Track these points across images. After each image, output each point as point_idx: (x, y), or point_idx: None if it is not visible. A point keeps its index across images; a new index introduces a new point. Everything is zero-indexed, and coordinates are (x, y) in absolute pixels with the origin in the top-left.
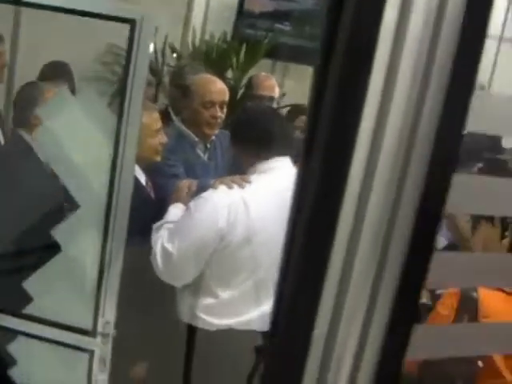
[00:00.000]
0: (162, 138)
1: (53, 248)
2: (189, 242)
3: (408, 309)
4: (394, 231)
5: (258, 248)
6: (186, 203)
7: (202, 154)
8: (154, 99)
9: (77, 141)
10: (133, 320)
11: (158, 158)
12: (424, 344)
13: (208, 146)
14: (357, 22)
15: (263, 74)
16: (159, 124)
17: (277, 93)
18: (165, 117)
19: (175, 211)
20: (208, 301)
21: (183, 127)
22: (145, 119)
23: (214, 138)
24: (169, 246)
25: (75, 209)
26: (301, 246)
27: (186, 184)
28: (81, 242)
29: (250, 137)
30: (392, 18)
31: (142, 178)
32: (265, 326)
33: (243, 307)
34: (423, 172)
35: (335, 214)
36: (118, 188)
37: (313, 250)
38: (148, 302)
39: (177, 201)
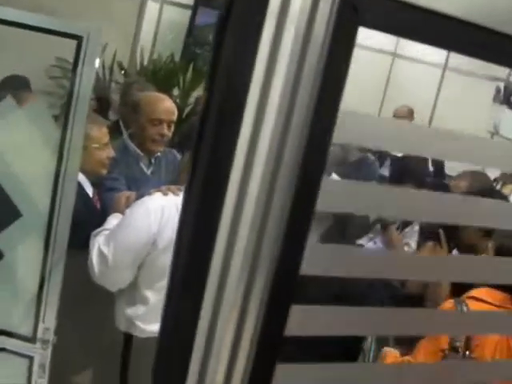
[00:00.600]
0: (110, 152)
1: None
2: (123, 244)
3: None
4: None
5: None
6: (124, 213)
7: (145, 169)
8: (105, 114)
9: (20, 151)
10: (72, 328)
11: (104, 172)
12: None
13: (152, 161)
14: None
15: None
16: (107, 138)
17: None
18: (113, 131)
19: (113, 221)
20: (140, 307)
21: (129, 142)
22: (94, 133)
23: (159, 154)
24: (104, 250)
25: (18, 217)
26: (186, 251)
27: (124, 195)
28: (22, 249)
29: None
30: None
31: (90, 191)
32: None
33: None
34: (294, 176)
35: (215, 221)
36: (61, 199)
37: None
38: (88, 311)
39: (116, 211)
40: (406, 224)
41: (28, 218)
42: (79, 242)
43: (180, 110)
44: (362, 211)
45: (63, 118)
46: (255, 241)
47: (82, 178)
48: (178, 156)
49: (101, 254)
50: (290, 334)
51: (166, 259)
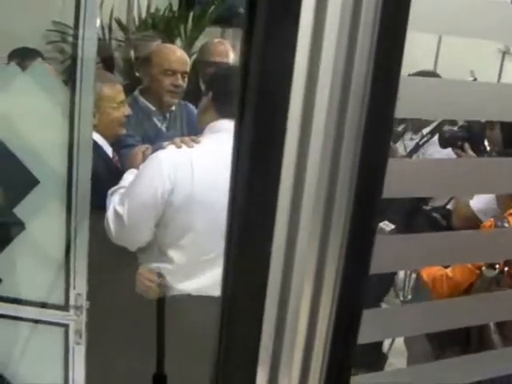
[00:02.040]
0: (126, 110)
1: (16, 226)
2: (137, 201)
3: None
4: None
5: (201, 209)
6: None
7: (159, 124)
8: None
9: (30, 117)
10: (104, 291)
11: (124, 131)
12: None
13: (167, 116)
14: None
15: (216, 40)
16: (122, 96)
17: (231, 58)
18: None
19: (129, 177)
20: (165, 266)
21: (141, 98)
22: (108, 92)
23: (174, 108)
24: (119, 209)
25: (35, 185)
26: (245, 205)
27: (140, 149)
28: (44, 217)
29: (215, 90)
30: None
31: (109, 151)
32: (218, 290)
33: (195, 271)
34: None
35: (277, 171)
36: (77, 161)
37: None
38: (119, 272)
39: (132, 167)
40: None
41: (46, 184)
42: (104, 203)
43: None
44: (438, 191)
45: (70, 81)
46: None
47: (99, 138)
48: (194, 109)
49: (116, 213)
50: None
51: (183, 216)
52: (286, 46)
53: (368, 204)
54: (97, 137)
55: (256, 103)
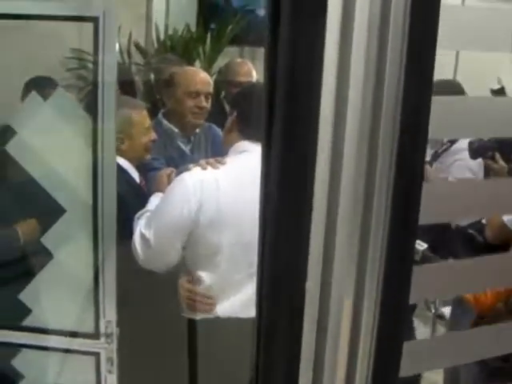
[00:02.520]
0: (153, 135)
1: (44, 256)
2: (164, 223)
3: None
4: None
5: (228, 228)
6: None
7: (183, 147)
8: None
9: (54, 146)
10: (134, 318)
11: (148, 155)
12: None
13: (192, 138)
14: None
15: (238, 59)
16: (149, 121)
17: (254, 77)
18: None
19: (155, 201)
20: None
21: (164, 120)
22: (136, 117)
23: (198, 130)
24: (146, 232)
25: (61, 214)
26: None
27: (165, 172)
28: (71, 245)
29: (239, 110)
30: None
31: (136, 176)
32: (248, 311)
33: (224, 293)
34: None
35: (310, 181)
36: (102, 188)
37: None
38: (148, 298)
39: (158, 190)
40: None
41: (72, 213)
42: (128, 228)
43: None
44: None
45: (91, 108)
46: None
47: (126, 164)
48: (219, 131)
49: (142, 236)
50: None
51: (210, 237)
52: (312, 62)
53: (404, 232)
54: (123, 162)
55: (284, 123)
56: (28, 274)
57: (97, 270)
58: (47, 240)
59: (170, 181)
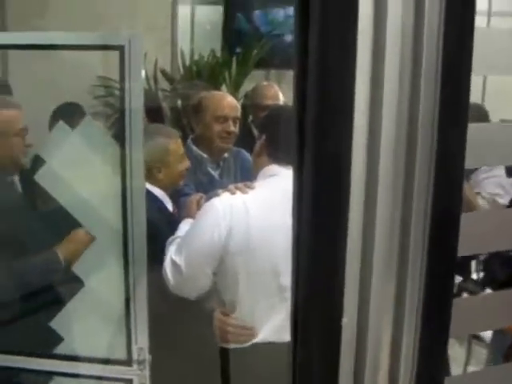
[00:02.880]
0: (187, 163)
1: (75, 284)
2: (194, 249)
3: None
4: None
5: (258, 253)
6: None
7: (213, 172)
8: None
9: (82, 174)
10: (167, 344)
11: (182, 183)
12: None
13: (221, 163)
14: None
15: (265, 83)
16: (182, 149)
17: (281, 100)
18: None
19: (185, 227)
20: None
21: (193, 146)
22: (172, 146)
23: (227, 155)
24: (176, 259)
25: (91, 241)
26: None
27: (195, 198)
28: (102, 273)
29: (268, 134)
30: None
31: (169, 205)
32: (280, 336)
33: (255, 319)
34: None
35: (344, 209)
36: (132, 215)
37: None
38: (180, 324)
39: (188, 217)
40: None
41: (102, 240)
42: (161, 254)
43: None
44: None
45: (119, 135)
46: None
47: (160, 193)
48: (248, 156)
49: (173, 263)
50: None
51: (241, 262)
52: (344, 86)
53: (442, 265)
54: (157, 191)
55: (315, 147)
56: (59, 302)
57: (128, 297)
58: (78, 268)
59: (199, 207)
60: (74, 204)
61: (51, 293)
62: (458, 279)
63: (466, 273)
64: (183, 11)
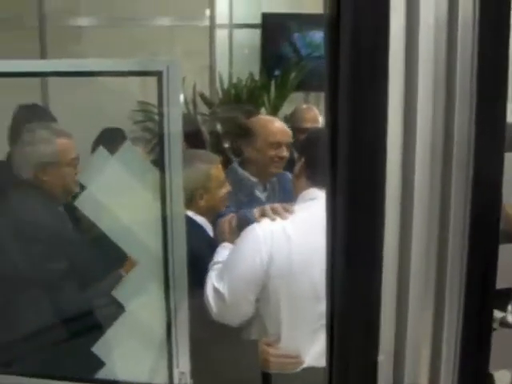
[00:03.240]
0: (227, 187)
1: (116, 309)
2: (237, 275)
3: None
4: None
5: (300, 279)
6: (230, 240)
7: (260, 195)
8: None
9: (122, 199)
10: (208, 369)
11: (224, 208)
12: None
13: (267, 186)
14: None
15: (304, 106)
16: (223, 174)
17: (321, 123)
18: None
19: (223, 252)
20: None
21: (240, 169)
22: (213, 171)
23: (273, 178)
24: (219, 286)
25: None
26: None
27: (227, 220)
28: (143, 298)
29: (307, 156)
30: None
31: (210, 231)
32: (322, 361)
33: (301, 344)
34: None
35: (379, 239)
36: (172, 240)
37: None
38: (222, 349)
39: (222, 238)
40: None
41: (143, 266)
42: (203, 281)
43: None
44: None
45: (158, 159)
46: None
47: (202, 220)
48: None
49: (216, 291)
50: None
51: (283, 288)
52: (376, 108)
53: (481, 297)
54: (199, 218)
55: (349, 172)
56: (100, 327)
57: (169, 321)
58: (118, 293)
59: (230, 226)
60: (115, 229)
61: (92, 318)
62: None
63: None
64: (221, 35)
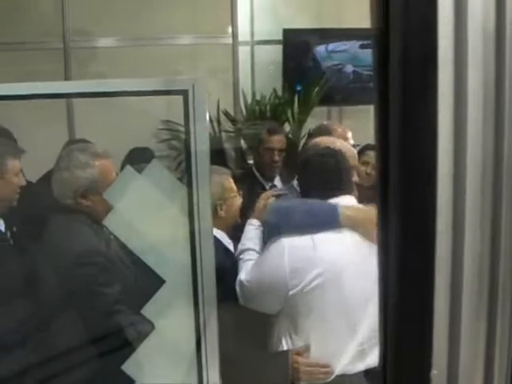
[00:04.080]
0: (240, 199)
1: (146, 327)
2: (258, 277)
3: None
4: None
5: (328, 291)
6: (260, 217)
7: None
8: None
9: (150, 217)
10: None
11: (239, 220)
12: None
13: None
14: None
15: (331, 122)
16: (234, 186)
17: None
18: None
19: (249, 228)
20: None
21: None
22: (227, 183)
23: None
24: (245, 282)
25: (161, 285)
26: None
27: (263, 197)
28: (172, 315)
29: (308, 176)
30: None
31: (231, 246)
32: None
33: (330, 354)
34: None
35: (431, 249)
36: (201, 257)
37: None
38: (254, 360)
39: (255, 214)
40: None
41: (172, 283)
42: (228, 295)
43: (294, 144)
44: None
45: (185, 177)
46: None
47: (220, 234)
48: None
49: (240, 283)
50: None
51: (311, 299)
52: (425, 133)
53: None
54: (218, 233)
55: (400, 193)
56: (130, 345)
57: (199, 338)
58: (148, 311)
59: (266, 205)
60: (143, 248)
61: (122, 336)
62: None
63: None
64: (243, 51)
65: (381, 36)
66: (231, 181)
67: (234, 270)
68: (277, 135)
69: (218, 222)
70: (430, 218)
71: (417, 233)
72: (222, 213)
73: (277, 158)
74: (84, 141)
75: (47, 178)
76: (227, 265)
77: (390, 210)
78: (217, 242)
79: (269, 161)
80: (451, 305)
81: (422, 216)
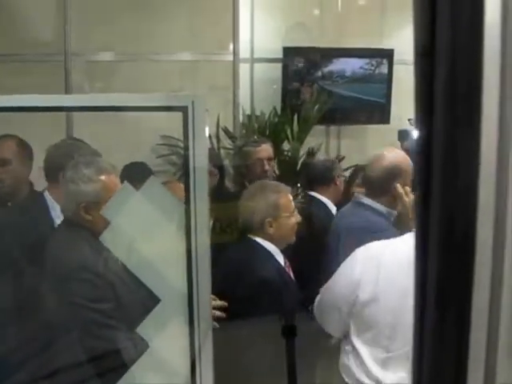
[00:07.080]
0: (297, 217)
1: (140, 345)
2: (329, 290)
3: None
4: None
5: (384, 308)
6: None
7: None
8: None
9: (147, 234)
10: None
11: (293, 238)
12: None
13: None
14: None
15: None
16: (293, 205)
17: None
18: None
19: None
20: (349, 358)
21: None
22: (281, 201)
23: None
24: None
25: (156, 303)
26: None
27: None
28: (167, 334)
29: None
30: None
31: (281, 259)
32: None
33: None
34: None
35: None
36: (197, 276)
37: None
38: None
39: None
40: None
41: (167, 302)
42: (272, 310)
43: (294, 162)
44: None
45: (184, 193)
46: None
47: (272, 248)
48: None
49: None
50: None
51: (373, 311)
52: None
53: None
54: (269, 245)
55: (441, 210)
56: (124, 364)
57: (194, 358)
58: (143, 330)
59: None
60: (139, 265)
61: (116, 354)
62: None
63: None
64: (244, 69)
65: (425, 57)
66: (287, 199)
67: (282, 283)
68: (263, 145)
69: (268, 236)
70: (470, 240)
71: (455, 257)
72: (270, 229)
73: (267, 166)
74: (83, 142)
75: None
76: (273, 274)
77: (431, 232)
78: (266, 252)
79: (260, 171)
80: (488, 337)
81: (462, 240)
